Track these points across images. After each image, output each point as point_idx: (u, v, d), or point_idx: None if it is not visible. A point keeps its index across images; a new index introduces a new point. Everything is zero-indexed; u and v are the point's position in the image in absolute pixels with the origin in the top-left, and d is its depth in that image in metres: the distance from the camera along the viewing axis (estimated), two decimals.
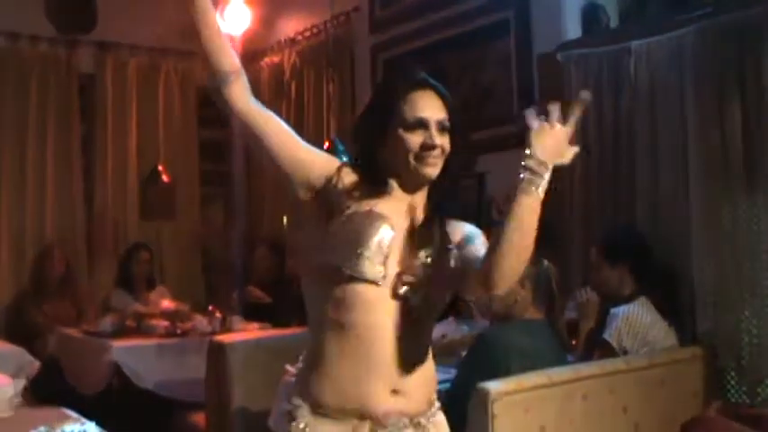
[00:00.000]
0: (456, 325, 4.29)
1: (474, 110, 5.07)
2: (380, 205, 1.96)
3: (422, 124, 1.97)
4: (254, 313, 5.57)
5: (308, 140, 2.02)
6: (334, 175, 1.98)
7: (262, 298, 5.78)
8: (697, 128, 3.63)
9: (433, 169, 1.97)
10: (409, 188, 2.02)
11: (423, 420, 2.01)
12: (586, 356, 3.61)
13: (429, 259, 1.97)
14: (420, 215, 2.03)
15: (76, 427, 2.21)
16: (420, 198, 2.04)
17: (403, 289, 1.93)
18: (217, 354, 4.12)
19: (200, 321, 5.25)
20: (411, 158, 1.96)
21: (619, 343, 3.48)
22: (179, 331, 5.13)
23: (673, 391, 3.36)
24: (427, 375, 2.06)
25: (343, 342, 1.94)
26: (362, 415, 1.94)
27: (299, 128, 6.16)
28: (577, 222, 4.15)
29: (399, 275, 1.94)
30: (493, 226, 1.88)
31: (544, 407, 2.90)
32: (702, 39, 3.64)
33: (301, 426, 1.95)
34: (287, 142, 1.97)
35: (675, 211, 3.75)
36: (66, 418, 2.51)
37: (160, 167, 6.57)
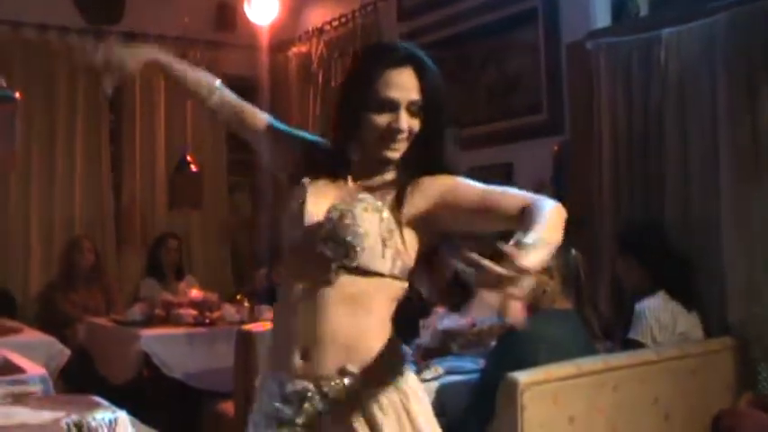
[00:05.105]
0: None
1: (501, 99, 5.05)
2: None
3: (391, 105, 1.87)
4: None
5: None
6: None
7: None
8: (728, 116, 3.59)
9: (394, 153, 1.90)
10: (365, 172, 1.96)
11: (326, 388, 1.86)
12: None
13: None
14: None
15: (107, 414, 2.21)
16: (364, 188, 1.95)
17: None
18: (245, 343, 4.13)
19: (229, 311, 5.28)
20: (374, 140, 1.90)
21: (653, 339, 3.44)
22: (207, 320, 5.15)
23: (704, 382, 3.34)
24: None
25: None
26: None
27: (326, 117, 6.26)
28: (606, 211, 4.12)
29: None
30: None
31: (573, 397, 2.89)
32: (733, 26, 3.60)
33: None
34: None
35: (706, 200, 3.71)
36: (98, 406, 2.51)
37: (188, 157, 6.57)
